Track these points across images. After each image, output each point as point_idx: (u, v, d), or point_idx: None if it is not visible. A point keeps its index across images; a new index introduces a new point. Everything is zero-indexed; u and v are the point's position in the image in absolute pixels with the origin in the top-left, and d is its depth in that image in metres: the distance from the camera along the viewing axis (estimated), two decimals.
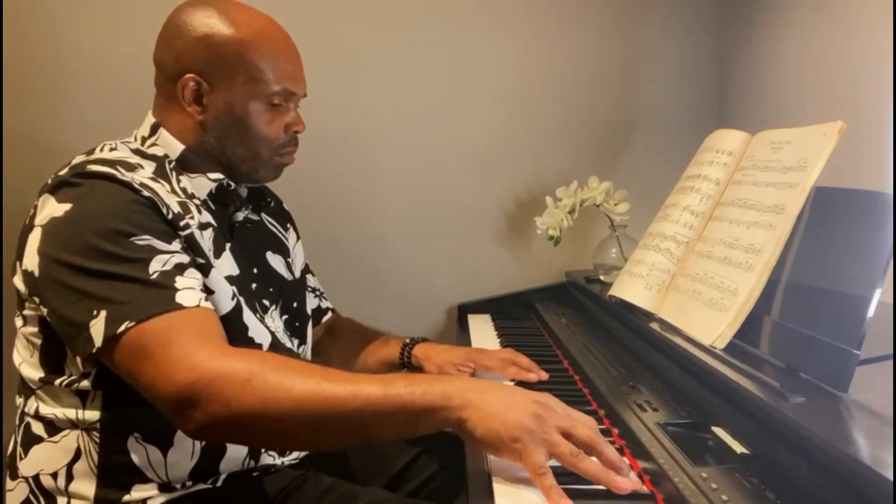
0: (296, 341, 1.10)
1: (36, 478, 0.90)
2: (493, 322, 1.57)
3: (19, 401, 0.94)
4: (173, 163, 0.97)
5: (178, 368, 0.74)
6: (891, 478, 0.51)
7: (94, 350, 0.78)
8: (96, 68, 1.60)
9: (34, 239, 0.85)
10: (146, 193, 0.86)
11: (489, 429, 0.72)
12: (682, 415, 0.85)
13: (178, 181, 0.95)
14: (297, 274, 1.18)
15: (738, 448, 0.74)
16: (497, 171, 1.73)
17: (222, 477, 0.93)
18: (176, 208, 0.89)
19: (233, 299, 0.93)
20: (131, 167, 0.89)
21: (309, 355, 1.16)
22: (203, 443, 0.91)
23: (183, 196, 0.94)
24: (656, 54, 1.73)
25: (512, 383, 1.07)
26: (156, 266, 0.81)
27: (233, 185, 1.02)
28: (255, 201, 1.11)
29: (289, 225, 1.22)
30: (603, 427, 0.87)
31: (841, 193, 0.82)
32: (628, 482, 0.70)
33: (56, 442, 0.90)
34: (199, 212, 0.94)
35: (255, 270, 1.04)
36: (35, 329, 0.90)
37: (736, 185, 1.02)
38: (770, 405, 0.69)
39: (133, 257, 0.80)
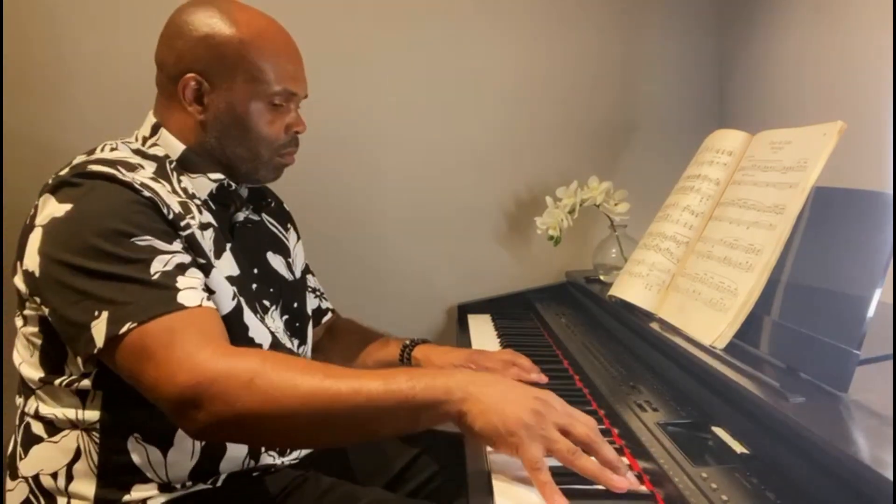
0: (296, 341, 1.10)
1: (36, 478, 0.90)
2: (493, 322, 1.57)
3: (19, 401, 0.94)
4: (174, 163, 0.97)
5: (180, 369, 0.74)
6: (891, 478, 0.51)
7: (96, 351, 0.78)
8: (96, 68, 1.60)
9: (35, 239, 0.85)
10: (147, 194, 0.86)
11: (488, 422, 0.72)
12: (682, 415, 0.85)
13: (179, 181, 0.95)
14: (298, 274, 1.18)
15: (738, 448, 0.74)
16: (497, 171, 1.73)
17: (222, 477, 0.93)
18: (177, 208, 0.89)
19: (233, 299, 0.93)
20: (132, 167, 0.89)
21: (309, 356, 1.16)
22: (203, 443, 0.91)
23: (183, 196, 0.94)
24: (656, 54, 1.73)
25: None
26: (157, 266, 0.81)
27: (233, 185, 1.02)
28: (255, 201, 1.11)
29: (289, 225, 1.22)
30: (603, 427, 0.87)
31: (841, 193, 0.82)
32: (625, 481, 0.70)
33: (56, 442, 0.90)
34: (200, 212, 0.94)
35: (255, 271, 1.04)
36: (35, 329, 0.90)
37: (736, 185, 1.02)
38: (770, 405, 0.69)
39: (134, 258, 0.80)
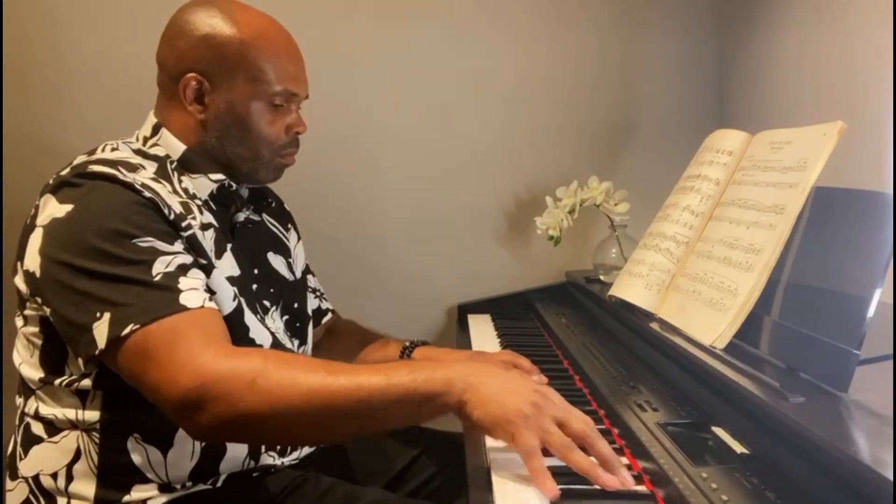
0: (296, 342, 1.10)
1: (36, 478, 0.90)
2: (493, 322, 1.57)
3: (19, 401, 0.94)
4: (174, 163, 0.97)
5: (182, 372, 0.75)
6: (891, 478, 0.51)
7: (97, 352, 0.78)
8: (96, 68, 1.60)
9: (35, 239, 0.85)
10: (148, 194, 0.86)
11: (487, 411, 0.73)
12: (682, 415, 0.85)
13: (180, 181, 0.95)
14: (298, 274, 1.18)
15: (738, 448, 0.74)
16: (497, 171, 1.73)
17: (222, 477, 0.93)
18: (178, 209, 0.89)
19: (234, 300, 0.93)
20: (133, 168, 0.89)
21: (310, 356, 1.16)
22: (203, 443, 0.91)
23: (184, 196, 0.94)
24: (656, 54, 1.73)
25: None
26: (159, 267, 0.81)
27: (234, 185, 1.02)
28: (256, 202, 1.11)
29: (290, 225, 1.22)
30: (603, 427, 0.87)
31: (841, 193, 0.82)
32: (615, 480, 0.70)
33: (56, 442, 0.90)
34: (201, 212, 0.94)
35: (255, 271, 1.04)
36: (36, 329, 0.90)
37: (736, 185, 1.02)
38: (770, 405, 0.69)
39: (136, 259, 0.80)
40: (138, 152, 0.96)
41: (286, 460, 1.00)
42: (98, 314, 0.78)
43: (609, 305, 1.22)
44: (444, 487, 1.12)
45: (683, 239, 1.07)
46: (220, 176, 0.99)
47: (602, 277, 1.50)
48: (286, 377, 0.75)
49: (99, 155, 0.92)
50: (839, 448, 0.58)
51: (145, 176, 0.89)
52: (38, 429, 0.91)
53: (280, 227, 1.18)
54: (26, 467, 0.91)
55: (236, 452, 0.94)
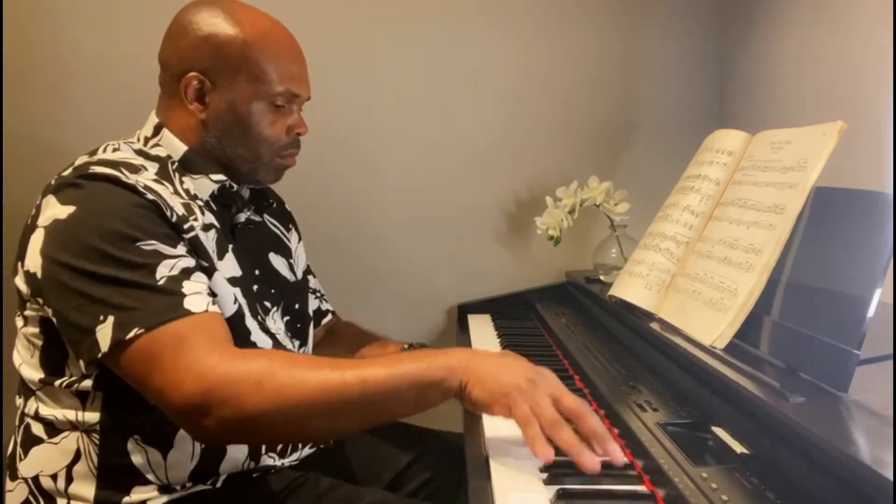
0: (297, 342, 1.10)
1: (35, 479, 0.90)
2: (493, 322, 1.57)
3: (19, 401, 0.94)
4: (176, 164, 0.97)
5: (188, 376, 0.75)
6: (891, 478, 0.51)
7: (100, 355, 0.78)
8: (96, 68, 1.60)
9: (36, 240, 0.85)
10: (150, 196, 0.86)
11: (484, 388, 0.76)
12: (682, 415, 0.85)
13: (181, 182, 0.95)
14: (299, 275, 1.18)
15: (738, 448, 0.74)
16: (497, 171, 1.73)
17: (222, 478, 0.93)
18: (180, 210, 0.89)
19: (234, 303, 0.93)
20: (135, 169, 0.89)
21: None
22: (203, 444, 0.91)
23: (186, 197, 0.93)
24: (656, 54, 1.73)
25: None
26: (163, 271, 0.81)
27: (235, 186, 1.02)
28: (257, 202, 1.11)
29: (291, 226, 1.22)
30: None
31: (841, 193, 0.82)
32: (596, 462, 0.72)
33: (56, 443, 0.90)
34: (202, 213, 0.94)
35: (257, 272, 1.04)
36: (36, 330, 0.90)
37: (736, 185, 1.02)
38: (770, 405, 0.69)
39: (140, 263, 0.80)
40: (140, 153, 0.96)
41: (286, 461, 1.00)
42: (101, 317, 0.78)
43: (609, 305, 1.22)
44: (443, 488, 1.12)
45: (683, 239, 1.07)
46: (221, 177, 0.99)
47: (602, 277, 1.50)
48: (292, 376, 0.76)
49: (100, 156, 0.92)
50: (839, 448, 0.58)
51: (147, 177, 0.89)
52: (38, 429, 0.91)
53: (281, 228, 1.18)
54: (26, 468, 0.91)
55: (236, 453, 0.94)
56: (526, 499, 0.69)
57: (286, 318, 1.09)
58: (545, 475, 0.73)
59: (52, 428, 0.90)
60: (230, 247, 0.97)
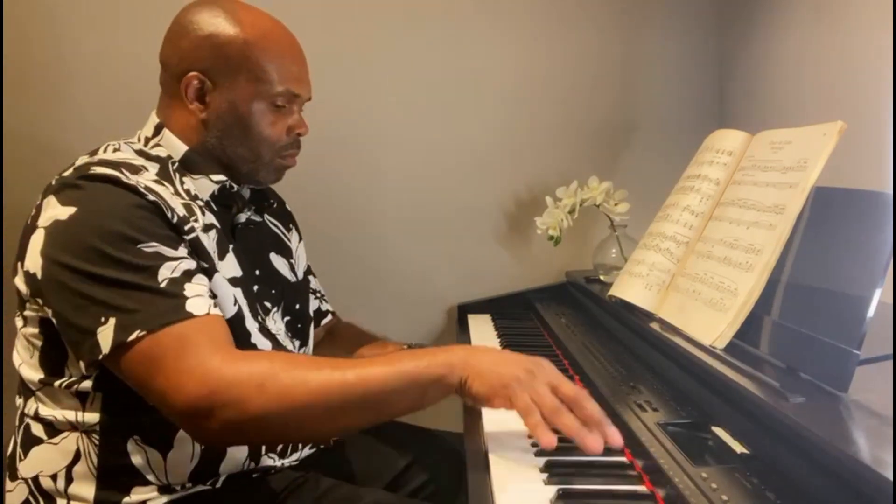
0: (297, 343, 1.10)
1: (35, 479, 0.90)
2: (493, 322, 1.57)
3: (19, 401, 0.94)
4: (176, 164, 0.97)
5: (190, 379, 0.75)
6: (891, 478, 0.51)
7: (101, 357, 0.78)
8: (96, 68, 1.60)
9: (37, 240, 0.85)
10: (151, 197, 0.85)
11: (484, 382, 0.78)
12: (682, 415, 0.85)
13: (182, 183, 0.95)
14: (300, 275, 1.18)
15: (738, 448, 0.74)
16: (497, 171, 1.73)
17: (222, 478, 0.93)
18: (181, 211, 0.89)
19: (234, 305, 0.93)
20: (136, 169, 0.89)
21: None
22: (204, 446, 0.91)
23: (186, 198, 0.93)
24: (656, 54, 1.73)
25: None
26: (165, 273, 0.81)
27: (235, 186, 1.02)
28: (257, 202, 1.11)
29: (291, 226, 1.22)
30: None
31: (841, 193, 0.82)
32: (598, 443, 0.74)
33: (56, 444, 0.90)
34: (203, 213, 0.94)
35: (257, 272, 1.04)
36: (35, 330, 0.90)
37: (736, 185, 1.02)
38: (770, 405, 0.69)
39: (142, 265, 0.80)
40: (140, 153, 0.96)
41: (286, 461, 1.00)
42: (103, 319, 0.78)
43: (609, 305, 1.22)
44: (443, 488, 1.12)
45: (683, 239, 1.07)
46: (221, 177, 0.99)
47: (602, 277, 1.50)
48: (294, 377, 0.77)
49: (101, 156, 0.92)
50: (839, 448, 0.58)
51: (148, 178, 0.89)
52: (37, 430, 0.91)
53: (282, 228, 1.17)
54: (26, 468, 0.91)
55: (236, 454, 0.94)
56: (526, 499, 0.69)
57: (286, 318, 1.09)
58: (545, 475, 0.73)
59: (52, 428, 0.90)
60: (231, 247, 0.97)
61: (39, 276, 0.83)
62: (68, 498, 0.89)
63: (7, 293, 1.22)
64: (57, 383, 0.89)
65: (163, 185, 0.91)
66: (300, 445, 1.03)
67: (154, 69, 1.01)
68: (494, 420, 0.88)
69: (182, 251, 0.85)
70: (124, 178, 0.85)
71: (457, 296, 1.72)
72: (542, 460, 0.77)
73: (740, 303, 0.87)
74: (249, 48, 0.95)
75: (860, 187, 0.80)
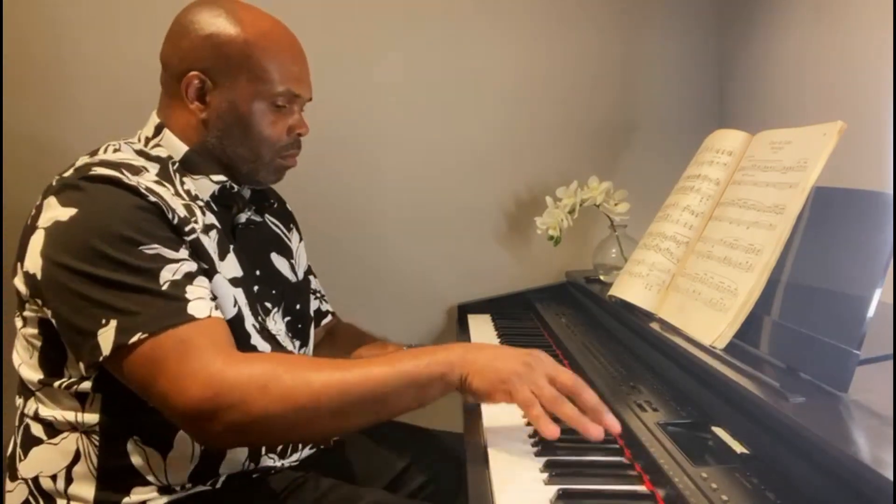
0: (297, 343, 1.10)
1: (35, 479, 0.90)
2: (493, 322, 1.57)
3: (19, 402, 0.94)
4: (176, 164, 0.97)
5: (193, 382, 0.75)
6: (891, 478, 0.51)
7: (101, 359, 0.78)
8: (96, 69, 1.60)
9: (37, 241, 0.84)
10: (152, 199, 0.85)
11: (484, 378, 0.79)
12: (682, 415, 0.85)
13: (182, 183, 0.95)
14: (301, 275, 1.18)
15: (738, 448, 0.74)
16: (497, 171, 1.73)
17: (222, 479, 0.93)
18: (182, 212, 0.89)
19: (234, 306, 0.93)
20: (136, 170, 0.89)
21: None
22: (206, 447, 0.91)
23: (187, 199, 0.93)
24: (656, 54, 1.73)
25: None
26: (166, 276, 0.81)
27: (235, 186, 1.02)
28: (258, 202, 1.11)
29: (292, 226, 1.22)
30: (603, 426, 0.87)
31: (841, 193, 0.82)
32: (599, 430, 0.77)
33: (55, 444, 0.90)
34: (203, 214, 0.94)
35: (258, 272, 1.04)
36: (35, 331, 0.90)
37: (736, 185, 1.02)
38: (770, 405, 0.69)
39: (144, 267, 0.80)
40: (140, 153, 0.96)
41: (286, 461, 1.00)
42: (103, 320, 0.78)
43: (609, 305, 1.22)
44: (443, 488, 1.12)
45: (683, 239, 1.07)
46: (221, 177, 0.99)
47: (602, 277, 1.50)
48: (297, 378, 0.77)
49: (101, 156, 0.92)
50: (839, 448, 0.58)
51: (148, 179, 0.89)
52: (37, 430, 0.91)
53: (282, 228, 1.17)
54: (26, 469, 0.91)
55: (236, 454, 0.94)
56: (526, 499, 0.69)
57: (287, 318, 1.09)
58: (545, 475, 0.73)
59: (52, 429, 0.90)
60: (231, 247, 0.97)
61: (39, 276, 0.83)
62: (68, 498, 0.89)
63: (7, 293, 1.22)
64: (56, 384, 0.89)
65: (163, 185, 0.90)
66: (300, 446, 1.03)
67: (154, 69, 1.01)
68: (494, 419, 0.88)
69: (183, 253, 0.85)
70: (125, 179, 0.85)
71: (457, 296, 1.72)
72: (542, 460, 0.77)
73: (740, 303, 0.87)
74: (250, 48, 0.95)
75: (860, 187, 0.79)
